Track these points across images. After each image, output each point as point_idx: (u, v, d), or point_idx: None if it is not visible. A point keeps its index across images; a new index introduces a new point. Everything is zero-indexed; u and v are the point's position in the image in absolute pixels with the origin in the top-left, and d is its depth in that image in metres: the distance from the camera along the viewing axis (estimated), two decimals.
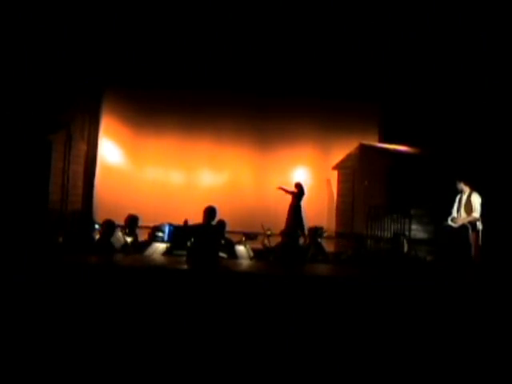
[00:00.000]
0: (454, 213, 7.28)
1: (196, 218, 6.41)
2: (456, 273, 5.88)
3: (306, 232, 8.41)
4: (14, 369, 3.69)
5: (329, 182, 12.94)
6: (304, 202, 11.36)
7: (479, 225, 7.03)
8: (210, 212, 6.19)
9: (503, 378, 3.89)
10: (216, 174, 12.87)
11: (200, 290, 4.40)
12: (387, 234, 8.85)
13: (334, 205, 12.62)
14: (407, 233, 8.31)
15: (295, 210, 10.79)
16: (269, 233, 9.06)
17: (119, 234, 6.88)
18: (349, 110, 12.29)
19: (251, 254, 7.41)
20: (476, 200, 7.09)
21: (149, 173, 12.70)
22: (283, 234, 10.25)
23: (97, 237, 7.02)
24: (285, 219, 10.85)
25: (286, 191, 10.91)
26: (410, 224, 8.44)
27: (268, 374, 3.84)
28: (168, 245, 7.18)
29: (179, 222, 7.76)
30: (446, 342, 4.12)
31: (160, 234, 7.85)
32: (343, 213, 12.11)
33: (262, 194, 12.26)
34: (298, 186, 10.97)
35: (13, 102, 9.61)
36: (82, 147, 11.73)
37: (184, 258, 6.07)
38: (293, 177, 12.48)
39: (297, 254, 7.11)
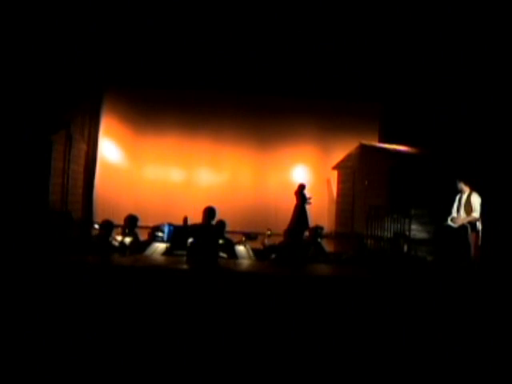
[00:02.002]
0: (454, 213, 7.28)
1: (196, 217, 6.41)
2: (456, 273, 5.88)
3: (307, 232, 8.42)
4: (14, 368, 3.69)
5: (329, 181, 12.95)
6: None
7: (479, 225, 7.03)
8: (210, 212, 6.20)
9: (503, 378, 3.89)
10: (216, 174, 12.87)
11: (200, 289, 4.40)
12: (387, 234, 8.84)
13: (334, 205, 12.62)
14: (407, 233, 8.30)
15: (300, 211, 10.85)
16: (269, 233, 9.06)
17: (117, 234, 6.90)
18: (349, 110, 12.29)
19: (251, 253, 7.41)
20: (476, 200, 7.09)
21: (149, 173, 12.71)
22: (286, 233, 10.26)
23: (96, 237, 7.03)
24: (285, 219, 10.88)
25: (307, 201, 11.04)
26: (410, 224, 8.42)
27: (269, 374, 3.84)
28: (168, 245, 7.18)
29: (179, 221, 7.78)
30: (446, 341, 4.12)
31: (160, 234, 7.87)
32: (343, 213, 12.11)
33: (262, 193, 12.28)
34: (299, 187, 11.07)
35: (13, 102, 9.61)
36: (82, 147, 11.74)
37: (184, 258, 6.07)
38: (293, 177, 12.50)
39: (297, 254, 7.12)
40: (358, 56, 10.71)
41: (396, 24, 9.78)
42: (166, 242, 7.52)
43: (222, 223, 6.81)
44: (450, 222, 7.23)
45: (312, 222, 10.19)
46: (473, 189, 7.22)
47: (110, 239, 6.59)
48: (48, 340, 3.99)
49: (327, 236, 10.21)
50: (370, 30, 10.02)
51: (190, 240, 6.36)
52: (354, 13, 9.67)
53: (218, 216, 6.39)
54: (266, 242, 8.66)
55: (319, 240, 7.86)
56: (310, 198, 11.25)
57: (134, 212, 7.65)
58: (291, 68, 11.15)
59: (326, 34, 10.21)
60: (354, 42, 10.34)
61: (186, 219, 7.08)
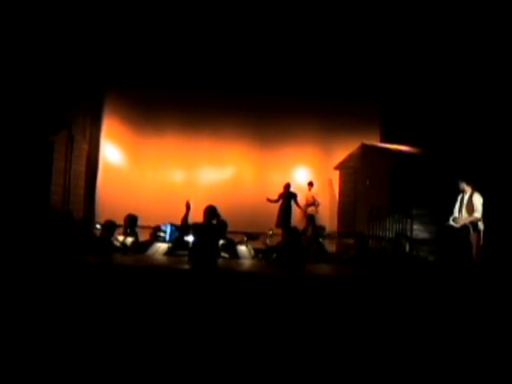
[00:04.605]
0: (456, 213, 7.27)
1: (197, 217, 6.41)
2: (457, 273, 5.87)
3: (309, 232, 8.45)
4: (14, 368, 3.69)
5: (331, 181, 12.94)
6: (302, 202, 11.42)
7: (480, 225, 7.02)
8: (211, 211, 6.19)
9: (503, 378, 3.88)
10: (217, 174, 12.88)
11: (201, 289, 4.40)
12: (389, 234, 8.84)
13: (336, 205, 12.61)
14: (409, 233, 8.29)
15: (285, 209, 10.82)
16: (270, 233, 9.06)
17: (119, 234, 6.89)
18: (350, 110, 12.30)
19: (252, 253, 7.40)
20: (477, 200, 7.08)
21: (150, 173, 12.72)
22: (286, 233, 10.25)
23: (98, 237, 7.03)
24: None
25: (272, 200, 11.03)
26: (411, 224, 8.42)
27: (269, 373, 3.84)
28: (170, 245, 7.17)
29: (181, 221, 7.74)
30: (447, 341, 4.12)
31: (162, 234, 7.86)
32: (345, 213, 12.10)
33: (263, 194, 12.25)
34: (286, 186, 11.09)
35: (15, 102, 9.63)
36: (83, 147, 11.75)
37: (185, 258, 6.06)
38: (294, 177, 12.50)
39: (299, 254, 7.11)
40: (358, 56, 10.72)
41: (396, 24, 9.79)
42: (168, 241, 7.51)
43: (223, 223, 6.80)
44: (451, 222, 7.21)
45: (313, 222, 10.18)
46: (475, 189, 7.20)
47: (112, 239, 6.59)
48: (48, 340, 3.99)
49: (329, 236, 10.20)
50: (369, 31, 10.03)
51: (192, 240, 6.36)
52: (353, 13, 9.68)
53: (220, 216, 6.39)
54: (268, 241, 8.66)
55: (321, 240, 7.87)
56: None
57: (135, 212, 7.63)
58: (291, 68, 11.16)
59: (325, 34, 10.21)
60: (354, 42, 10.35)
61: (188, 205, 6.70)
